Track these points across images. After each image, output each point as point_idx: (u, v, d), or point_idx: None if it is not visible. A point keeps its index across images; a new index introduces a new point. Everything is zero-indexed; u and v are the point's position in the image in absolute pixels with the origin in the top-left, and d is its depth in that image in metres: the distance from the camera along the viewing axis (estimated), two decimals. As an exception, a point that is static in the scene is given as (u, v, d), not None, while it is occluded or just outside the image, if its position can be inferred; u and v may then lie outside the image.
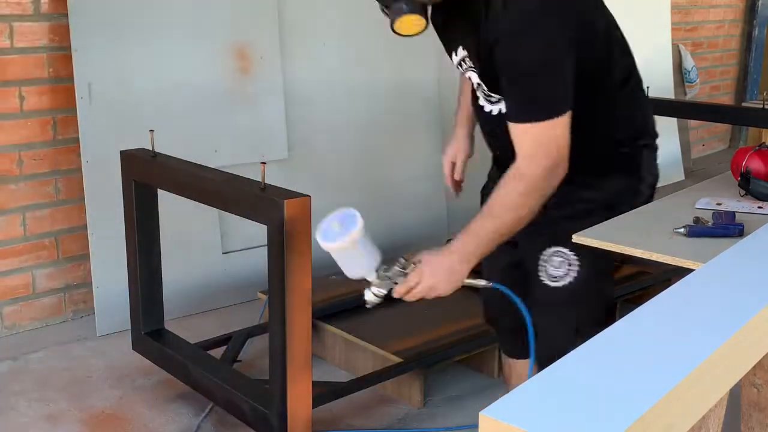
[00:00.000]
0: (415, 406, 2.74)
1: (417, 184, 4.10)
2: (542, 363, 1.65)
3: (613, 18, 1.96)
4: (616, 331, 0.98)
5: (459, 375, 2.94)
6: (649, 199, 1.99)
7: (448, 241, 1.96)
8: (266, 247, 2.21)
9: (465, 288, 1.95)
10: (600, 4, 1.91)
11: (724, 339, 0.95)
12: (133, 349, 2.83)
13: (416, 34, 1.83)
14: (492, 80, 1.85)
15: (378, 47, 3.96)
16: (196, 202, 2.57)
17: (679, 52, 5.99)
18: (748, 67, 6.73)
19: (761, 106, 3.91)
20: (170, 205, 2.93)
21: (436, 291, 1.87)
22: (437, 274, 1.84)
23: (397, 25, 1.84)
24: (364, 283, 1.88)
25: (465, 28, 1.86)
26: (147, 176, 2.64)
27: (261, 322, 3.03)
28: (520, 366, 2.24)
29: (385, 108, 4.02)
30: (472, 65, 1.90)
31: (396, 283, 1.87)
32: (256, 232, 3.11)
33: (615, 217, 1.84)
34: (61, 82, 3.16)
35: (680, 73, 5.99)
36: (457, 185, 2.27)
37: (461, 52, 1.92)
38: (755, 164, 2.06)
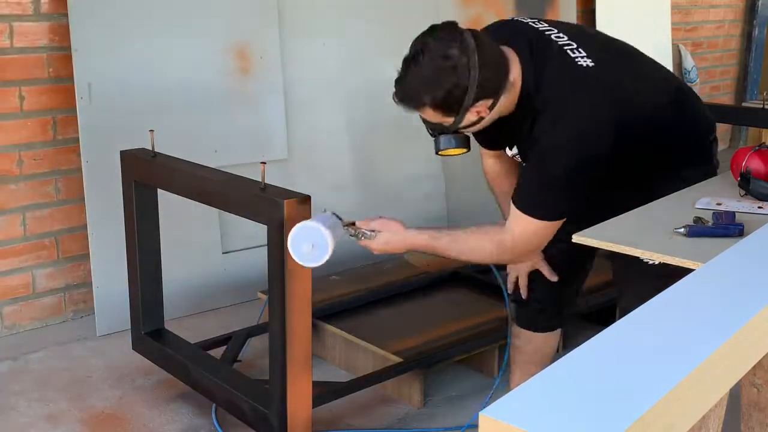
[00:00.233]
0: (415, 406, 2.74)
1: (417, 184, 4.10)
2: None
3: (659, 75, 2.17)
4: (616, 331, 0.98)
5: (459, 375, 2.94)
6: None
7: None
8: (266, 247, 2.21)
9: (465, 288, 2.04)
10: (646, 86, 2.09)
11: (724, 339, 0.95)
12: (133, 349, 2.83)
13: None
14: None
15: (378, 47, 3.96)
16: (196, 202, 2.57)
17: (679, 52, 5.99)
18: (748, 67, 6.73)
19: (761, 106, 3.92)
20: (170, 205, 2.93)
21: (381, 252, 2.10)
22: (387, 246, 2.07)
23: (443, 153, 2.06)
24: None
25: (509, 137, 2.10)
26: (147, 176, 2.64)
27: (261, 322, 3.03)
28: (539, 338, 2.45)
29: (385, 108, 4.01)
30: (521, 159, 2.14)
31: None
32: (256, 232, 3.11)
33: (615, 217, 1.84)
34: (61, 82, 3.16)
35: (680, 73, 5.99)
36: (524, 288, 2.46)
37: (512, 151, 2.15)
38: (755, 164, 2.06)
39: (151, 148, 2.60)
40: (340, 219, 2.03)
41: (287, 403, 2.23)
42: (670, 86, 2.16)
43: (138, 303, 2.73)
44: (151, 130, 2.59)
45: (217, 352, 2.77)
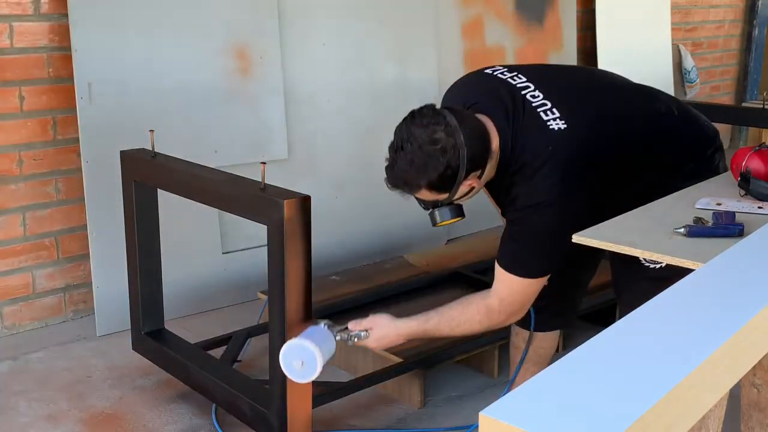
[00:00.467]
0: (415, 406, 2.74)
1: (417, 184, 4.10)
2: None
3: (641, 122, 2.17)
4: (616, 331, 0.98)
5: (459, 375, 2.94)
6: None
7: (449, 241, 2.09)
8: (266, 247, 2.21)
9: (465, 288, 2.07)
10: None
11: (724, 339, 0.95)
12: (133, 349, 2.83)
13: None
14: None
15: (378, 47, 3.96)
16: (196, 202, 2.57)
17: (679, 52, 5.99)
18: (748, 67, 6.73)
19: (761, 106, 3.92)
20: (170, 205, 2.93)
21: (378, 348, 2.26)
22: (381, 341, 2.17)
23: (439, 225, 2.11)
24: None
25: (500, 195, 2.17)
26: (147, 176, 2.64)
27: (261, 322, 3.03)
28: (538, 338, 2.49)
29: (385, 108, 4.02)
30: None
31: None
32: (256, 232, 3.11)
33: (615, 217, 1.84)
34: (61, 82, 3.16)
35: (680, 73, 5.99)
36: None
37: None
38: (755, 164, 2.06)
39: (151, 148, 2.60)
40: (333, 326, 2.13)
41: (287, 403, 2.24)
42: (655, 111, 2.17)
43: (138, 303, 2.73)
44: (151, 130, 2.59)
45: (217, 352, 2.77)
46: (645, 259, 2.07)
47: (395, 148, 1.97)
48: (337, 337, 2.12)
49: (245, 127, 3.55)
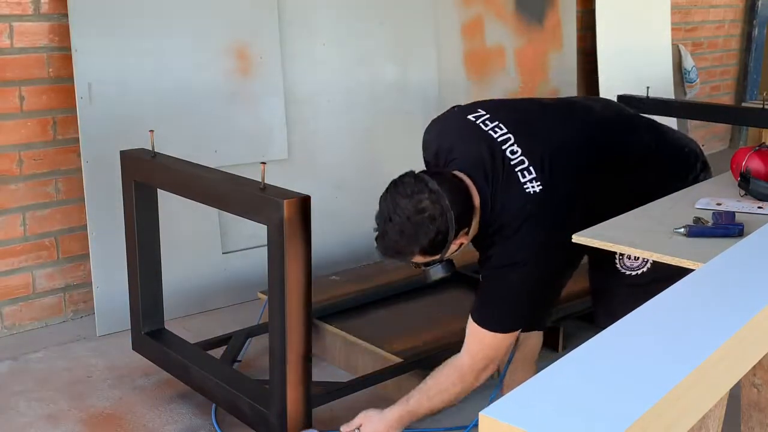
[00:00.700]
0: (415, 406, 2.73)
1: (417, 184, 4.10)
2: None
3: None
4: (616, 331, 0.98)
5: (459, 375, 2.93)
6: None
7: None
8: (266, 247, 2.21)
9: (465, 288, 2.08)
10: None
11: (724, 339, 0.95)
12: (133, 349, 2.83)
13: None
14: None
15: (378, 47, 3.96)
16: (196, 202, 2.57)
17: (679, 52, 5.99)
18: (748, 67, 6.73)
19: (761, 106, 3.91)
20: (170, 205, 2.93)
21: None
22: None
23: (434, 280, 2.17)
24: None
25: (478, 249, 2.20)
26: (147, 176, 2.64)
27: (261, 322, 3.03)
28: (531, 338, 2.48)
29: (385, 108, 4.02)
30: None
31: None
32: (256, 232, 3.11)
33: (615, 217, 1.84)
34: (61, 82, 3.16)
35: (680, 73, 5.99)
36: None
37: None
38: (755, 164, 2.06)
39: (151, 148, 2.60)
40: None
41: (287, 403, 2.24)
42: (639, 146, 2.18)
43: (138, 303, 2.73)
44: (151, 130, 2.59)
45: (217, 352, 2.77)
46: (622, 266, 2.09)
47: (384, 219, 2.00)
48: None
49: (245, 127, 3.55)
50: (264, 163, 2.26)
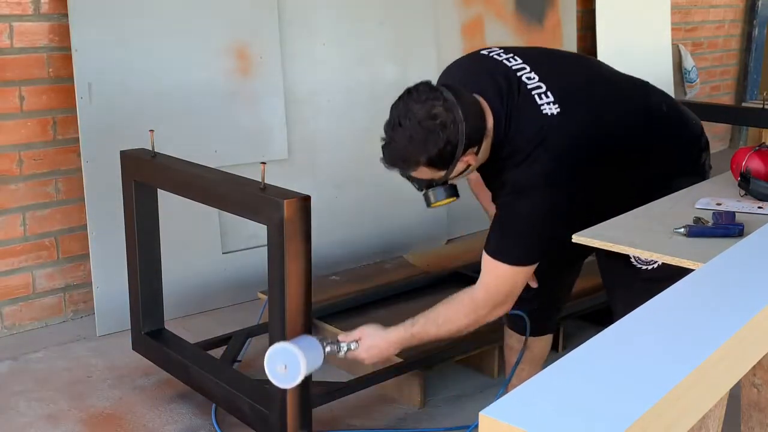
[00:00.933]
0: (415, 406, 2.74)
1: (417, 184, 4.10)
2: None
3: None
4: (616, 331, 0.98)
5: (459, 375, 2.94)
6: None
7: (449, 241, 2.07)
8: (266, 247, 2.21)
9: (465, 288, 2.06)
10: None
11: (724, 339, 0.95)
12: (133, 349, 2.83)
13: None
14: None
15: (378, 47, 3.96)
16: (196, 202, 2.57)
17: (679, 52, 5.99)
18: (748, 67, 6.73)
19: (761, 106, 3.92)
20: (170, 205, 2.93)
21: (370, 360, 2.19)
22: (371, 350, 2.15)
23: (435, 205, 2.10)
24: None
25: (491, 179, 2.14)
26: (147, 176, 2.64)
27: (261, 322, 3.03)
28: (530, 339, 2.47)
29: (385, 108, 3.99)
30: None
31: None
32: (256, 232, 3.11)
33: (615, 217, 1.84)
34: (61, 82, 3.16)
35: (680, 73, 5.99)
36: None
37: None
38: (755, 164, 2.06)
39: (151, 148, 2.60)
40: (324, 339, 2.12)
41: (287, 403, 2.23)
42: (646, 105, 2.16)
43: (138, 303, 2.73)
44: (151, 130, 2.59)
45: (217, 352, 2.77)
46: (637, 261, 2.08)
47: (392, 125, 1.93)
48: (327, 349, 2.10)
49: (245, 127, 3.55)
50: (264, 163, 2.26)
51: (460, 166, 1.97)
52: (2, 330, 3.20)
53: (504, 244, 2.03)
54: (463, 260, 3.52)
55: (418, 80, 1.97)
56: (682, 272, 1.24)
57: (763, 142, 2.21)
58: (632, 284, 2.10)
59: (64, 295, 3.33)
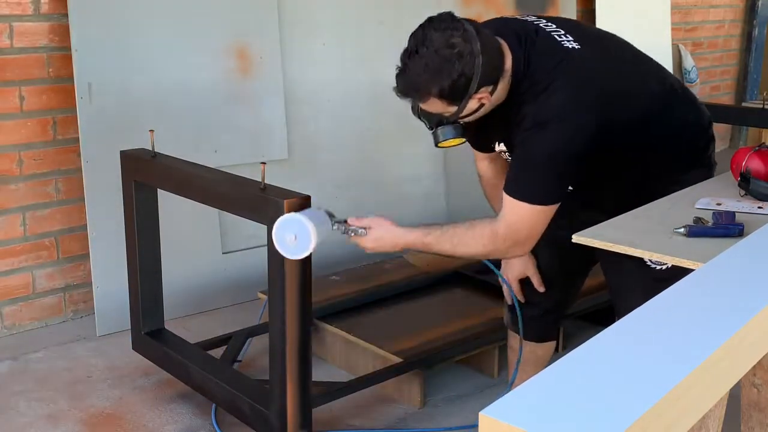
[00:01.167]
0: (415, 406, 2.74)
1: (417, 183, 4.10)
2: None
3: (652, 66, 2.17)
4: (616, 331, 0.98)
5: (459, 375, 2.94)
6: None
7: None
8: (266, 247, 2.21)
9: (465, 288, 2.04)
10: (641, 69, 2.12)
11: (724, 339, 0.95)
12: (133, 349, 2.82)
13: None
14: None
15: (378, 47, 3.96)
16: (196, 202, 2.57)
17: (679, 52, 5.99)
18: (748, 67, 6.73)
19: (761, 106, 3.92)
20: (170, 205, 2.93)
21: (373, 250, 2.08)
22: (378, 242, 2.05)
23: (443, 145, 2.06)
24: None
25: (499, 126, 2.08)
26: (147, 176, 2.64)
27: (261, 322, 3.03)
28: (542, 348, 2.46)
29: (385, 107, 4.02)
30: (509, 155, 2.13)
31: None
32: (256, 232, 3.11)
33: (615, 217, 1.84)
34: (61, 82, 3.16)
35: (680, 73, 5.99)
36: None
37: (500, 147, 2.15)
38: (755, 164, 2.06)
39: (151, 148, 2.60)
40: (333, 216, 2.04)
41: (287, 403, 2.23)
42: (661, 81, 2.14)
43: (138, 303, 2.73)
44: (151, 130, 2.59)
45: (217, 352, 2.77)
46: (651, 260, 2.06)
47: (409, 53, 1.90)
48: (335, 227, 2.03)
49: (245, 127, 3.55)
50: (264, 163, 2.26)
51: (472, 104, 1.93)
52: (2, 330, 3.20)
53: (524, 181, 1.98)
54: (463, 260, 3.51)
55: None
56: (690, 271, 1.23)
57: (763, 142, 2.21)
58: (644, 284, 2.08)
59: (64, 295, 3.34)
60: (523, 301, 2.38)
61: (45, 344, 3.14)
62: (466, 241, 2.02)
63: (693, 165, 2.14)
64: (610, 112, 1.95)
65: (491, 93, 1.94)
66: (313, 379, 2.32)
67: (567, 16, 4.91)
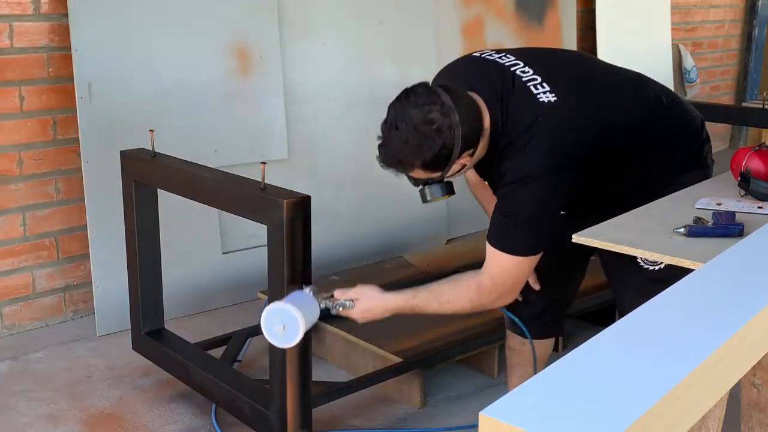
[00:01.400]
0: (415, 406, 2.74)
1: (417, 184, 4.10)
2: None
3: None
4: (616, 331, 0.98)
5: (459, 375, 2.94)
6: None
7: (448, 241, 2.08)
8: (266, 247, 2.21)
9: None
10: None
11: (724, 339, 0.95)
12: (133, 349, 2.82)
13: None
14: None
15: (378, 47, 3.96)
16: (196, 202, 2.57)
17: (679, 52, 5.99)
18: (748, 67, 6.73)
19: (761, 106, 3.92)
20: (170, 205, 2.93)
21: (363, 321, 2.15)
22: (366, 313, 2.11)
23: (430, 201, 2.11)
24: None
25: (483, 175, 2.20)
26: (147, 176, 2.64)
27: (261, 322, 3.02)
28: (543, 343, 2.47)
29: (385, 108, 4.01)
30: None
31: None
32: (256, 232, 3.11)
33: (615, 217, 1.84)
34: (61, 82, 3.16)
35: (680, 73, 5.99)
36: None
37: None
38: (755, 164, 2.06)
39: (151, 148, 2.60)
40: (319, 294, 2.08)
41: (287, 403, 2.23)
42: (645, 98, 2.16)
43: (138, 303, 2.73)
44: (151, 130, 2.59)
45: (217, 352, 2.77)
46: (644, 262, 2.07)
47: (389, 127, 1.93)
48: (322, 305, 2.06)
49: (245, 127, 3.55)
50: (264, 163, 2.26)
51: (455, 167, 1.98)
52: (2, 330, 3.20)
53: (507, 234, 2.03)
54: (463, 260, 3.51)
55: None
56: (688, 273, 1.23)
57: (763, 142, 2.21)
58: (639, 285, 2.10)
59: (64, 295, 3.34)
60: (520, 299, 2.38)
61: (45, 344, 3.14)
62: (453, 299, 2.08)
63: (688, 168, 2.14)
64: (592, 155, 1.99)
65: (472, 155, 1.99)
66: (313, 379, 2.32)
67: (567, 17, 4.92)
